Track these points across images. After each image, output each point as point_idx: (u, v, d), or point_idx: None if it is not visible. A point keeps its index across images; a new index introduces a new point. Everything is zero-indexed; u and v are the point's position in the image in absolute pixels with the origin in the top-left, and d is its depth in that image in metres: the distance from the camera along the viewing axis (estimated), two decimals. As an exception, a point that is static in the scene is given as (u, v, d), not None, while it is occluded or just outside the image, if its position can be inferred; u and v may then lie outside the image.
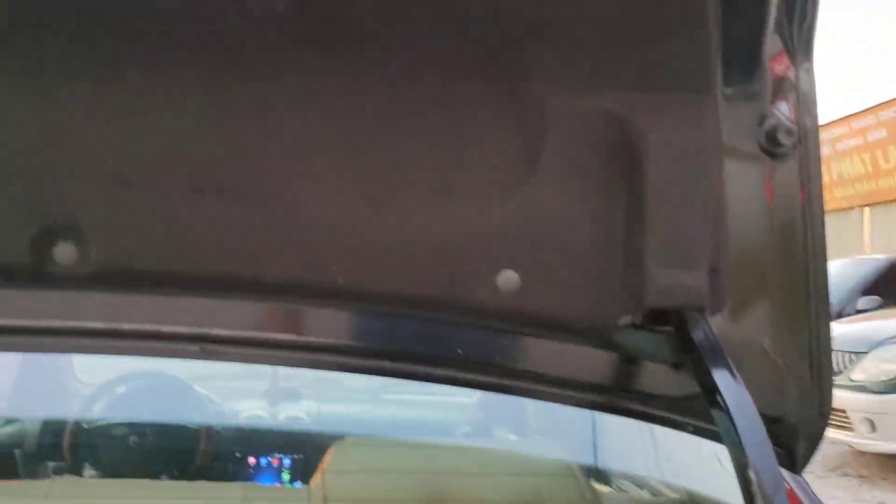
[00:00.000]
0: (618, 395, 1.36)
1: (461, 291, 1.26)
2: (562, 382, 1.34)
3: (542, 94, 1.22)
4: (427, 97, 1.25)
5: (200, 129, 1.24)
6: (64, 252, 1.21)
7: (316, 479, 1.79)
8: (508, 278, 1.26)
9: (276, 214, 1.24)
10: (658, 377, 1.32)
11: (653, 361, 1.32)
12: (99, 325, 1.26)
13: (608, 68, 1.21)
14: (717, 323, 1.24)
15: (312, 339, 1.30)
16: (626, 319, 1.27)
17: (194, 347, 1.28)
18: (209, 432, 3.64)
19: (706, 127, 1.20)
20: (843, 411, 6.30)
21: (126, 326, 1.26)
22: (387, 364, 1.31)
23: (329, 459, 1.78)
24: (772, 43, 1.21)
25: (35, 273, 1.21)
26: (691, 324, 1.20)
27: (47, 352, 1.31)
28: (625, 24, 1.16)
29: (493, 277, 1.26)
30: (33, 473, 2.15)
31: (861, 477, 6.61)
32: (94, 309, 1.26)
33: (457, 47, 1.22)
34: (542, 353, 1.33)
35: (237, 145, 1.25)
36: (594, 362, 1.33)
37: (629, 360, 1.34)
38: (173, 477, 2.19)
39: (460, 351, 1.31)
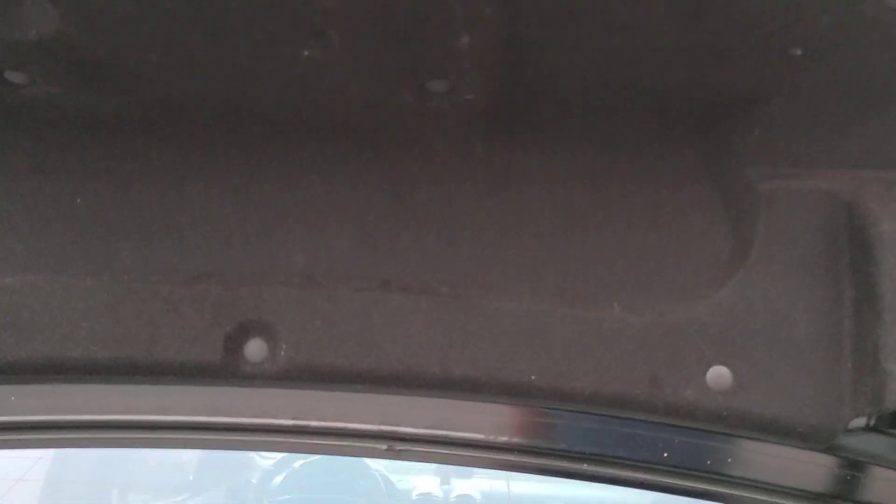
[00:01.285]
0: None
1: (666, 390, 1.15)
2: (778, 490, 1.19)
3: (753, 177, 1.12)
4: (623, 184, 1.17)
5: (385, 225, 1.22)
6: (255, 349, 1.20)
7: None
8: (719, 375, 1.14)
9: (464, 310, 1.19)
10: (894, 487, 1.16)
11: (890, 468, 1.16)
12: (287, 421, 1.23)
13: (830, 145, 1.09)
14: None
15: (502, 438, 1.23)
16: (858, 422, 1.13)
17: (381, 445, 1.23)
18: (383, 509, 3.62)
19: None
20: None
21: (313, 423, 1.23)
22: (584, 467, 1.22)
23: None
24: None
25: (227, 370, 1.20)
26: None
27: (235, 449, 1.30)
28: (851, 95, 1.05)
29: (703, 375, 1.15)
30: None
31: None
32: (282, 406, 1.24)
33: (656, 127, 1.14)
34: (758, 457, 1.19)
35: (422, 240, 1.21)
36: (817, 468, 1.19)
37: (858, 467, 1.18)
38: None
39: (666, 454, 1.19)
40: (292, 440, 1.25)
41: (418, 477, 4.12)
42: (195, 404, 1.24)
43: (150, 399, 1.24)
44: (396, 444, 1.23)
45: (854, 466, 1.18)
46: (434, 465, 4.07)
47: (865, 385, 1.09)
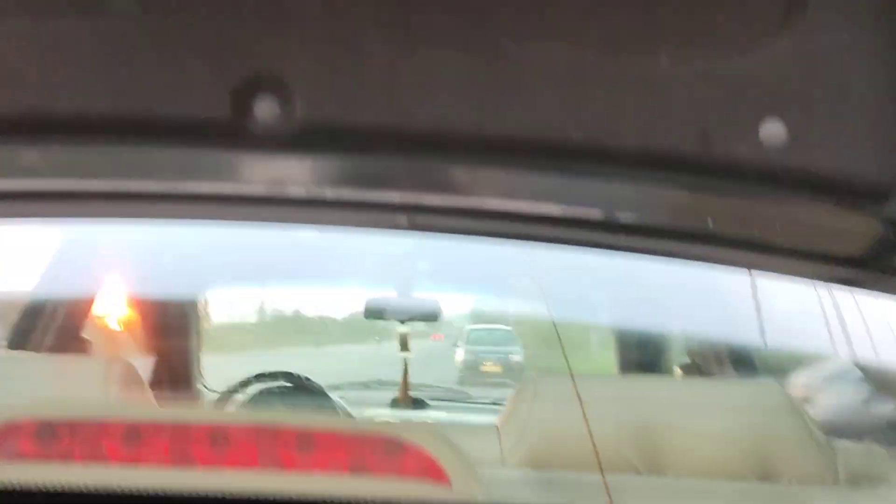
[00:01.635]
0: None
1: (717, 146, 1.08)
2: (827, 256, 1.13)
3: None
4: None
5: None
6: (266, 107, 1.08)
7: (506, 415, 1.61)
8: (773, 129, 1.07)
9: (499, 64, 1.09)
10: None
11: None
12: (300, 192, 1.12)
13: None
14: None
15: (538, 208, 1.13)
16: (917, 178, 1.07)
17: (401, 218, 1.13)
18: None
19: None
20: None
21: (329, 193, 1.12)
22: (622, 239, 1.13)
23: (519, 393, 1.59)
24: None
25: (234, 131, 1.08)
26: None
27: (242, 221, 1.17)
28: None
29: (756, 129, 1.07)
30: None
31: None
32: (295, 173, 1.13)
33: None
34: (808, 222, 1.13)
35: None
36: (869, 233, 1.13)
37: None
38: None
39: (712, 223, 1.12)
40: (306, 212, 1.14)
41: (377, 409, 4.01)
42: (197, 171, 1.12)
43: (147, 165, 1.11)
44: (419, 216, 1.12)
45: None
46: (390, 397, 3.98)
47: None
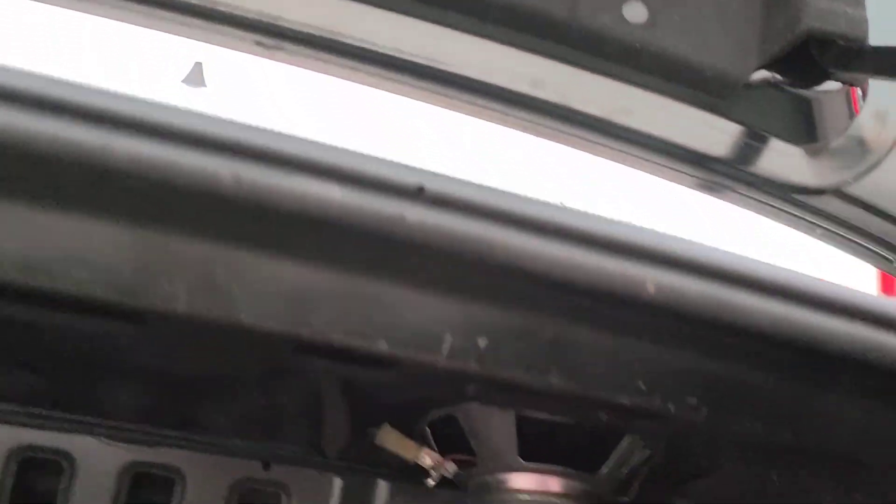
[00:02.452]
0: (732, 174, 1.16)
1: (584, 13, 1.08)
2: (673, 149, 1.14)
3: None
4: None
5: None
6: None
7: None
8: (635, 9, 1.09)
9: None
10: (789, 159, 1.14)
11: (781, 139, 1.15)
12: None
13: None
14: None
15: (400, 51, 1.07)
16: (762, 74, 1.12)
17: (250, 36, 1.02)
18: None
19: None
20: None
21: None
22: (488, 104, 1.08)
23: None
24: None
25: None
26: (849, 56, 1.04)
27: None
28: None
29: (619, 5, 1.09)
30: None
31: None
32: None
33: None
34: (657, 112, 1.14)
35: None
36: (714, 130, 1.15)
37: (754, 136, 1.16)
38: None
39: (572, 99, 1.10)
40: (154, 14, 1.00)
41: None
42: None
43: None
44: (270, 39, 1.03)
45: (751, 135, 1.16)
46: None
47: (776, 21, 1.08)
